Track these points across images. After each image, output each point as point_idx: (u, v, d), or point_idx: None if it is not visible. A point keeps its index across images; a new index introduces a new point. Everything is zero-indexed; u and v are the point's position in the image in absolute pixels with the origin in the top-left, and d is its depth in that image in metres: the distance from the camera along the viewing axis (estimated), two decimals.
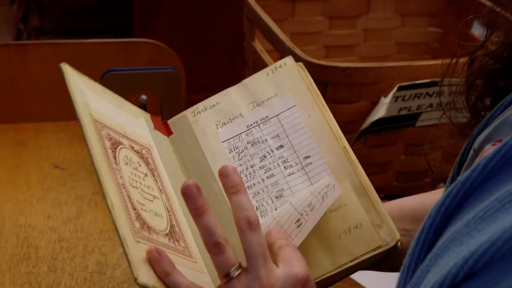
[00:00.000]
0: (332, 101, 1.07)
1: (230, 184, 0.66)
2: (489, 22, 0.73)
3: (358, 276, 1.03)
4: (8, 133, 1.34)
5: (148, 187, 0.73)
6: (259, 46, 1.24)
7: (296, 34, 1.38)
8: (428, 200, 0.83)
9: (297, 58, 1.05)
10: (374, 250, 0.73)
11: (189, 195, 0.65)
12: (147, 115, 0.84)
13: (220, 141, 0.81)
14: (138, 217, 0.67)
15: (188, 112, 0.85)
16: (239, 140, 0.80)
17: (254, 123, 0.81)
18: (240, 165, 0.79)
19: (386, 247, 0.73)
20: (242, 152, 0.80)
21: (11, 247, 1.05)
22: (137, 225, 0.67)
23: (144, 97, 1.13)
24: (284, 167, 0.78)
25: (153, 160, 0.78)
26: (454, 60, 0.77)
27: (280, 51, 1.11)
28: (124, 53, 1.37)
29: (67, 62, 1.34)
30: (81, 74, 0.78)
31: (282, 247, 0.68)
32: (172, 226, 0.72)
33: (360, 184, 0.76)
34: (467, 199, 0.51)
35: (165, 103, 1.18)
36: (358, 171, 0.77)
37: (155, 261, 0.65)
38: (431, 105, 1.10)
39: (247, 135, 0.80)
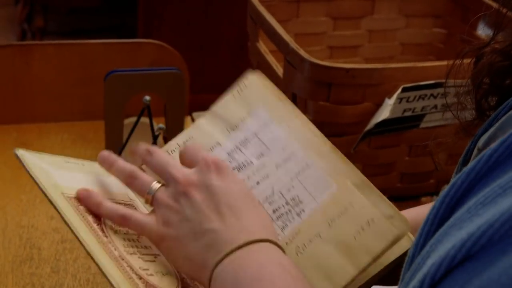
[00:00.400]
0: (336, 102, 1.07)
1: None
2: (496, 21, 0.73)
3: None
4: (12, 134, 1.34)
5: (145, 247, 0.72)
6: (263, 47, 1.23)
7: (300, 35, 1.37)
8: (422, 213, 0.82)
9: (301, 59, 1.05)
10: (393, 242, 0.72)
11: (102, 159, 0.76)
12: None
13: None
14: (147, 285, 0.67)
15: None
16: None
17: (234, 148, 0.79)
18: None
19: (404, 235, 0.72)
20: None
21: (14, 248, 1.05)
22: None
23: (147, 98, 1.13)
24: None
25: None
26: (460, 59, 0.77)
27: (284, 52, 1.11)
28: (128, 53, 1.36)
29: (70, 63, 1.35)
30: (38, 153, 0.75)
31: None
32: (182, 279, 0.72)
33: (360, 180, 0.75)
34: (472, 190, 0.51)
35: (168, 104, 1.18)
36: (353, 167, 0.76)
37: (83, 198, 0.71)
38: (435, 107, 1.10)
39: (230, 162, 0.78)
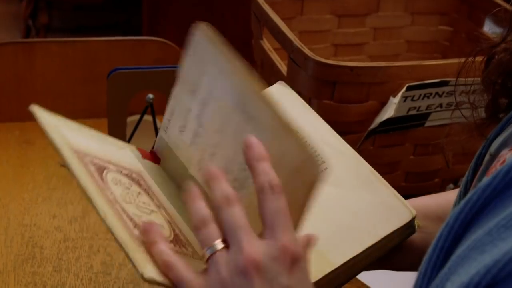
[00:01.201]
0: (340, 100, 1.06)
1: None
2: (510, 20, 0.72)
3: (364, 277, 1.02)
4: (14, 132, 1.33)
5: (144, 202, 0.70)
6: (267, 44, 1.23)
7: (304, 33, 1.37)
8: (441, 200, 0.83)
9: (305, 57, 1.04)
10: (399, 228, 0.74)
11: (189, 189, 0.63)
12: (133, 147, 0.78)
13: (189, 147, 0.74)
14: (137, 226, 0.64)
15: (161, 132, 0.78)
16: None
17: (198, 112, 0.73)
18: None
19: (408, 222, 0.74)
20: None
21: (16, 247, 1.04)
22: (137, 232, 0.64)
23: (150, 95, 1.13)
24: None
25: (145, 182, 0.73)
26: (472, 57, 0.76)
27: (288, 49, 1.10)
28: (131, 51, 1.36)
29: (73, 60, 1.35)
30: (55, 115, 0.73)
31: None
32: (176, 235, 0.69)
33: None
34: (487, 206, 0.50)
35: None
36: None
37: (145, 230, 0.63)
38: (440, 105, 1.09)
39: (199, 127, 0.72)
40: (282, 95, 0.84)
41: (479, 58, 0.75)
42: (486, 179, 0.50)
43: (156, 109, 1.14)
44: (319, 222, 0.73)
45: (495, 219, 0.48)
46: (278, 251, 0.59)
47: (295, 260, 0.59)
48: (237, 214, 0.61)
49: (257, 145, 0.62)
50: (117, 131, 1.15)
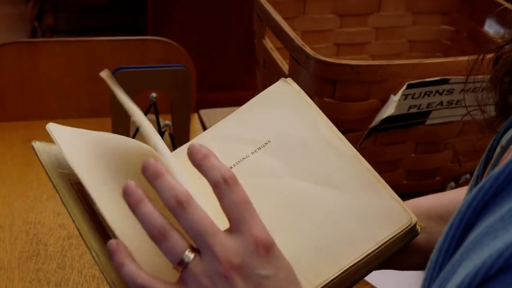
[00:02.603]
0: (341, 99, 1.07)
1: (150, 174, 0.61)
2: None
3: (370, 276, 1.02)
4: (19, 131, 1.34)
5: None
6: (269, 44, 1.23)
7: (306, 32, 1.37)
8: (444, 199, 0.82)
9: (306, 56, 1.05)
10: (399, 232, 0.74)
11: (126, 192, 0.61)
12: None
13: None
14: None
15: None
16: None
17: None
18: None
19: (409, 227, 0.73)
20: None
21: (21, 244, 1.05)
22: None
23: (154, 94, 1.13)
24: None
25: None
26: (481, 56, 0.76)
27: (290, 48, 1.11)
28: (135, 51, 1.37)
29: (77, 60, 1.36)
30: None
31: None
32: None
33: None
34: (500, 194, 0.50)
35: (175, 101, 1.18)
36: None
37: (112, 251, 0.62)
38: (441, 103, 1.10)
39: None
40: (283, 93, 0.83)
41: (487, 57, 0.75)
42: (499, 167, 0.50)
43: (159, 108, 1.15)
44: (320, 226, 0.74)
45: (508, 205, 0.48)
46: (250, 245, 0.60)
47: (268, 249, 0.60)
48: (197, 218, 0.60)
49: (199, 148, 0.62)
50: (121, 130, 1.15)
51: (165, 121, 1.14)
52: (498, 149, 0.65)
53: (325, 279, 0.71)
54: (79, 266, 1.02)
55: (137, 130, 1.15)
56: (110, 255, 0.62)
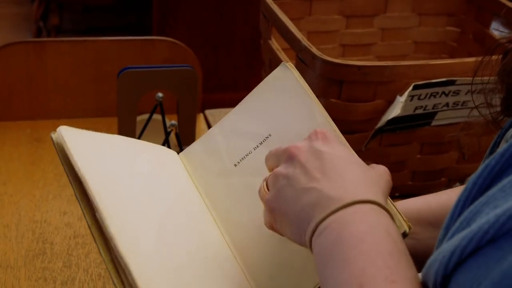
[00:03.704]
0: (347, 99, 1.07)
1: None
2: None
3: None
4: (26, 130, 1.35)
5: None
6: (276, 44, 1.24)
7: (312, 33, 1.38)
8: (434, 202, 0.82)
9: (313, 56, 1.05)
10: None
11: None
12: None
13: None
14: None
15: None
16: None
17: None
18: None
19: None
20: None
21: (27, 243, 1.06)
22: None
23: (160, 94, 1.14)
24: None
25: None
26: (489, 55, 0.76)
27: (296, 49, 1.11)
28: (141, 51, 1.37)
29: (84, 60, 1.36)
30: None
31: None
32: None
33: None
34: (505, 171, 0.50)
35: (181, 100, 1.18)
36: None
37: None
38: (447, 104, 1.10)
39: None
40: (284, 80, 0.83)
41: (493, 57, 0.75)
42: (504, 145, 0.51)
43: (166, 108, 1.15)
44: None
45: (509, 177, 0.48)
46: (312, 135, 0.71)
47: (326, 135, 0.70)
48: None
49: None
50: (127, 130, 1.16)
51: (171, 121, 1.14)
52: (502, 143, 0.65)
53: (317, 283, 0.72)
54: (85, 265, 1.02)
55: (143, 129, 1.16)
56: None
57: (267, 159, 0.74)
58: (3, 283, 0.98)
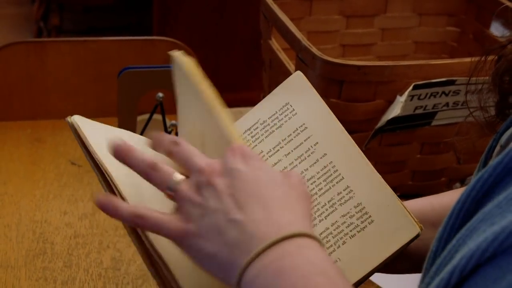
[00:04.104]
0: (347, 99, 1.07)
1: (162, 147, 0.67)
2: None
3: (375, 277, 1.02)
4: (26, 130, 1.35)
5: None
6: (276, 44, 1.24)
7: (313, 33, 1.38)
8: (436, 203, 0.82)
9: (313, 56, 1.05)
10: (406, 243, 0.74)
11: (117, 149, 0.65)
12: None
13: None
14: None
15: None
16: None
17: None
18: None
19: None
20: None
21: (27, 242, 1.06)
22: None
23: (160, 94, 1.14)
24: None
25: None
26: (483, 56, 0.77)
27: (296, 49, 1.11)
28: (141, 51, 1.37)
29: (84, 60, 1.36)
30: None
31: None
32: None
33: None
34: (498, 184, 0.50)
35: None
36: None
37: (103, 203, 0.64)
38: (447, 104, 1.10)
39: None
40: (300, 86, 0.83)
41: (489, 58, 0.75)
42: (497, 157, 0.51)
43: (166, 108, 1.15)
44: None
45: (505, 192, 0.48)
46: (229, 152, 0.64)
47: (244, 152, 0.63)
48: (186, 147, 0.65)
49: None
50: (127, 129, 1.15)
51: (172, 121, 1.14)
52: (497, 148, 0.66)
53: None
54: (85, 264, 1.02)
55: (144, 129, 1.16)
56: (102, 207, 0.64)
57: (163, 146, 0.66)
58: (3, 283, 0.98)
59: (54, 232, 1.08)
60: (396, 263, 0.78)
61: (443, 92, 1.08)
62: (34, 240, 1.06)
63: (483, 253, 0.45)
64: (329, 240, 0.74)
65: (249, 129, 0.80)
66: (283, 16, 1.17)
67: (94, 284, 0.98)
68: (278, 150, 0.78)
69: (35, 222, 1.10)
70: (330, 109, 0.82)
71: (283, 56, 1.20)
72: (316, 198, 0.76)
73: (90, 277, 1.00)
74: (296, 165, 0.77)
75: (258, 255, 0.57)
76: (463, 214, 0.52)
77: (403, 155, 1.16)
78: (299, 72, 0.83)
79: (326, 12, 1.38)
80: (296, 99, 0.80)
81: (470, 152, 0.80)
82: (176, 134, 1.16)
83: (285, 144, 0.78)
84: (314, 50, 1.06)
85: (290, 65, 1.17)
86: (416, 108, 1.09)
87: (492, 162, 0.51)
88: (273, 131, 0.79)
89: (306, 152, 0.78)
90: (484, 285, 0.45)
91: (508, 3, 1.22)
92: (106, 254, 1.04)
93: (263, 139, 0.79)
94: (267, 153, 0.79)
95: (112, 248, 1.05)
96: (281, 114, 0.80)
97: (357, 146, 0.78)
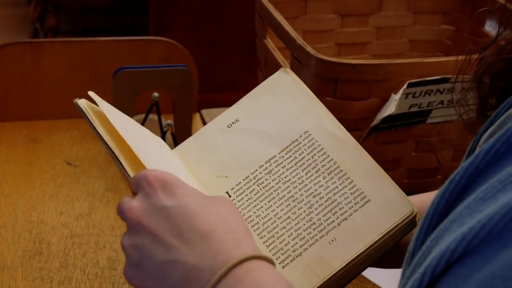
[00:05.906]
0: (342, 98, 1.07)
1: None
2: (502, 19, 0.73)
3: (368, 273, 1.03)
4: (22, 130, 1.35)
5: None
6: (271, 43, 1.24)
7: (308, 32, 1.38)
8: (427, 201, 0.82)
9: (308, 55, 1.06)
10: (401, 222, 0.74)
11: None
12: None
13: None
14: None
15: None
16: None
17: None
18: None
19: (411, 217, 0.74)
20: None
21: (24, 243, 1.06)
22: None
23: (156, 94, 1.14)
24: None
25: None
26: (467, 57, 0.77)
27: (291, 48, 1.11)
28: (137, 51, 1.37)
29: (80, 60, 1.36)
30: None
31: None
32: None
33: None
34: (471, 185, 0.51)
35: (177, 100, 1.19)
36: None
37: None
38: (441, 102, 1.10)
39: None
40: (284, 83, 0.83)
41: (475, 57, 0.76)
42: (469, 159, 0.51)
43: (162, 108, 1.15)
44: (327, 217, 0.74)
45: (475, 194, 0.49)
46: (143, 185, 0.63)
47: (164, 181, 0.62)
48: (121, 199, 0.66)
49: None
50: None
51: (167, 120, 1.14)
52: (477, 150, 0.66)
53: (331, 272, 0.72)
54: (82, 264, 1.02)
55: None
56: None
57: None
58: None
59: (50, 232, 1.08)
60: (389, 258, 0.78)
61: (438, 90, 1.08)
62: (30, 240, 1.07)
63: (452, 254, 0.46)
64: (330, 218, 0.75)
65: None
66: (278, 15, 1.17)
67: (90, 284, 0.99)
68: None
69: (31, 222, 1.10)
70: (326, 107, 0.83)
71: (278, 55, 1.20)
72: (316, 177, 0.77)
73: (87, 277, 1.00)
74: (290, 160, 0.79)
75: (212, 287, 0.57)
76: (438, 215, 0.52)
77: (398, 153, 1.17)
78: (282, 71, 0.84)
79: (321, 11, 1.39)
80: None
81: (463, 151, 0.80)
82: (172, 134, 1.16)
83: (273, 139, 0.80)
84: (309, 49, 1.06)
85: (286, 64, 1.17)
86: (411, 106, 1.09)
87: (464, 163, 0.51)
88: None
89: (296, 144, 0.80)
90: (454, 285, 0.45)
91: (502, 1, 1.22)
92: (103, 254, 1.04)
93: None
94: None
95: (108, 248, 1.05)
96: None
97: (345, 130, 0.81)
